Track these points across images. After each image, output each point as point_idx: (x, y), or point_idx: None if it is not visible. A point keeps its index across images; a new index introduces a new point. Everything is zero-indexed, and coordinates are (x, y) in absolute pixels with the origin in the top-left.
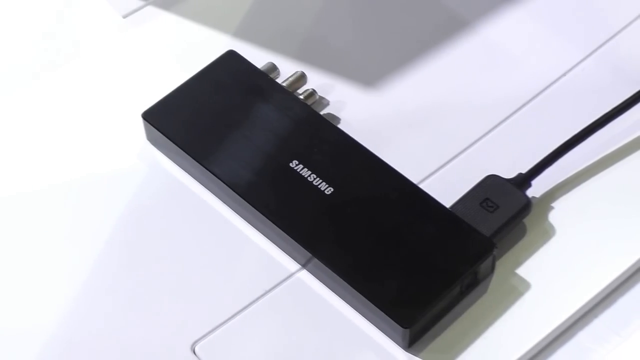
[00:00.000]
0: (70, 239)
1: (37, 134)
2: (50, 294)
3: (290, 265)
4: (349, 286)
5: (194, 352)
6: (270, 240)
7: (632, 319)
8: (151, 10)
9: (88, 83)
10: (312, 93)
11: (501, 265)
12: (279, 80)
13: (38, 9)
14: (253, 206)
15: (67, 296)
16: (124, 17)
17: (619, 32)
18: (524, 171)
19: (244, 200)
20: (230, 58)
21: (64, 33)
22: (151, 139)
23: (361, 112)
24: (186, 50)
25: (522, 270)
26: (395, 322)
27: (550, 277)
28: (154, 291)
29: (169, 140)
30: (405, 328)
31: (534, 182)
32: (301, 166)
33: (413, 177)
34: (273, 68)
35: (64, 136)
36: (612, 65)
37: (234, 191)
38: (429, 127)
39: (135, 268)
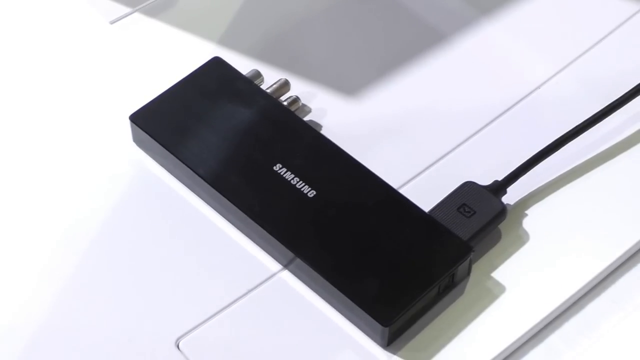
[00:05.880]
0: (56, 237)
1: (26, 136)
2: (36, 292)
3: (272, 265)
4: (331, 286)
5: (178, 348)
6: (253, 241)
7: (600, 322)
8: (138, 17)
9: (76, 87)
10: (296, 100)
11: (477, 268)
12: (263, 87)
13: (26, 15)
14: (238, 208)
15: (53, 294)
16: (112, 23)
17: (590, 48)
18: (499, 178)
19: (229, 202)
20: (216, 64)
21: (52, 39)
22: (138, 141)
23: (342, 119)
24: (172, 57)
25: (497, 274)
26: (376, 320)
27: (523, 281)
28: (139, 288)
29: (155, 142)
30: (385, 326)
31: (509, 190)
32: (284, 170)
33: (393, 183)
34: (257, 75)
35: (52, 138)
36: (584, 80)
37: (219, 192)
38: (408, 135)
39: (121, 266)
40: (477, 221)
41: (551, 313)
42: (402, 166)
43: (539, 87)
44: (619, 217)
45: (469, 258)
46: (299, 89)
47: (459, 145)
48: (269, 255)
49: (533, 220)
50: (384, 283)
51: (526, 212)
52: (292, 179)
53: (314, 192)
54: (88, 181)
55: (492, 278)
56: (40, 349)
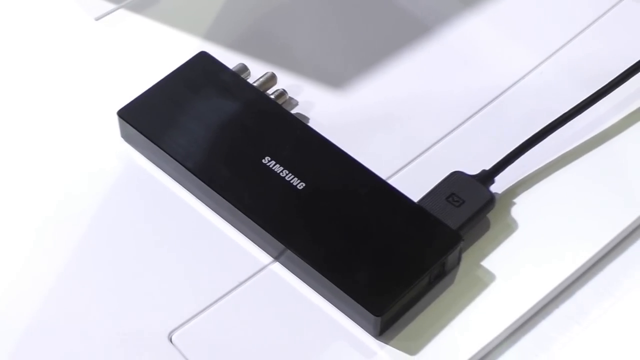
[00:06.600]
0: (46, 233)
1: (13, 133)
2: (26, 288)
3: (263, 257)
4: (322, 277)
5: (171, 341)
6: (243, 234)
7: (591, 309)
8: (123, 13)
9: (63, 84)
10: (283, 93)
11: (467, 257)
12: (250, 81)
13: (11, 12)
14: (228, 201)
15: (43, 290)
16: (97, 19)
17: (573, 37)
18: (487, 168)
19: (218, 195)
20: (203, 59)
21: (37, 36)
22: (126, 137)
23: (329, 111)
24: (159, 52)
25: (487, 263)
26: (368, 310)
27: (513, 269)
28: (131, 283)
29: (143, 137)
30: (377, 316)
31: (497, 178)
32: (273, 162)
33: (381, 174)
34: (244, 69)
35: (40, 135)
36: (568, 69)
37: (209, 186)
38: (395, 127)
39: (111, 261)
40: (466, 210)
41: (541, 300)
42: (390, 157)
43: (523, 77)
44: (607, 204)
45: (459, 247)
46: (286, 82)
47: (446, 136)
48: (259, 248)
49: (521, 208)
50: (375, 273)
51: (514, 200)
52: (281, 171)
53: (303, 184)
54: (77, 177)
55: (482, 267)
56: (33, 345)
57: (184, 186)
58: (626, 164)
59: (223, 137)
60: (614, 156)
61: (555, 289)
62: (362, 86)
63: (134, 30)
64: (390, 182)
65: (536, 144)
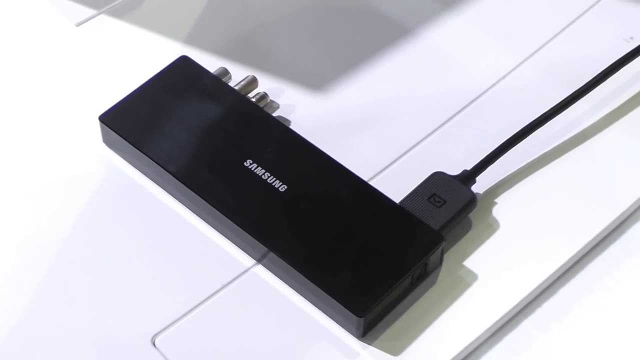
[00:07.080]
0: (28, 238)
1: None
2: (7, 293)
3: (246, 260)
4: (305, 279)
5: (154, 345)
6: (226, 237)
7: (572, 307)
8: (104, 18)
9: (44, 90)
10: (264, 96)
11: (449, 258)
12: (231, 84)
13: None
14: (211, 204)
15: (26, 295)
16: (77, 25)
17: (553, 37)
18: (468, 168)
19: (200, 199)
20: (184, 63)
21: (18, 42)
22: (108, 142)
23: (311, 114)
24: (140, 57)
25: (469, 263)
26: (350, 311)
27: (495, 268)
28: (113, 287)
29: (125, 142)
30: (360, 317)
31: (478, 179)
32: (255, 165)
33: (362, 175)
34: (225, 72)
35: (22, 141)
36: (548, 69)
37: (191, 190)
38: (376, 128)
39: (94, 265)
40: (448, 210)
41: (524, 299)
42: (371, 159)
43: (504, 77)
44: (587, 203)
45: (441, 247)
46: (267, 85)
47: (427, 137)
48: (242, 251)
49: (503, 208)
50: (358, 274)
51: (496, 200)
52: (263, 174)
53: (285, 187)
54: (58, 182)
55: (464, 267)
56: (15, 349)
57: (166, 190)
58: (605, 163)
59: (205, 140)
60: (594, 155)
61: (537, 288)
62: (343, 88)
63: (115, 35)
64: (372, 183)
65: (517, 143)
